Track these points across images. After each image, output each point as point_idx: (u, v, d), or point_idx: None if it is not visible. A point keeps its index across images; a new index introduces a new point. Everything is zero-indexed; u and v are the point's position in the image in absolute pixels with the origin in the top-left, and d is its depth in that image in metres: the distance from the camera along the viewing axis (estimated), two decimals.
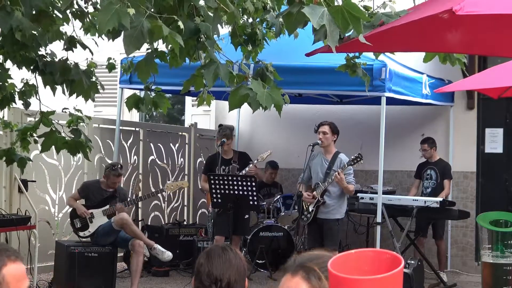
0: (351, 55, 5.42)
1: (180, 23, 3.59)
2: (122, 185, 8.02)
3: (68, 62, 5.01)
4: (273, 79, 4.81)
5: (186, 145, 10.53)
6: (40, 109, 5.47)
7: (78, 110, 5.52)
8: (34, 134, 5.66)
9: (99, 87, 5.05)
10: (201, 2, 4.17)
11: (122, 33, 3.45)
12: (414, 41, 4.41)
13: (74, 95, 5.01)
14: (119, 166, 7.66)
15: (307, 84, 8.03)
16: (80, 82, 4.88)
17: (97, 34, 4.67)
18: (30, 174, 7.83)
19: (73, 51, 5.09)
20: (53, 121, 5.39)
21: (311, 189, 7.29)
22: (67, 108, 5.58)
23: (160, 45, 4.15)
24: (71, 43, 5.04)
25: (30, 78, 5.31)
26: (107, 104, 11.83)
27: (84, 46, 5.10)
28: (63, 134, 5.34)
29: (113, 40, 4.37)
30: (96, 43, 5.27)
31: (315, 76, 7.86)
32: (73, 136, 5.31)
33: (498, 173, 9.58)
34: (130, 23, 3.24)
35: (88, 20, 4.99)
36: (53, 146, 5.29)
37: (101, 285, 7.31)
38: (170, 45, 3.68)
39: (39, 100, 5.39)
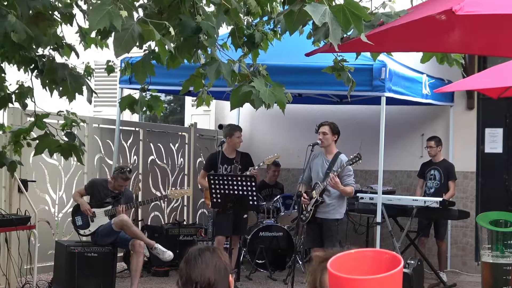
0: (339, 57, 5.41)
1: (171, 29, 3.57)
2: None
3: (55, 62, 4.94)
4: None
5: (186, 145, 10.52)
6: (34, 111, 5.41)
7: (73, 114, 5.47)
8: (28, 137, 5.60)
9: (85, 89, 4.96)
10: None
11: (113, 34, 3.43)
12: (414, 41, 4.41)
13: (66, 96, 4.94)
14: (128, 169, 7.62)
15: (307, 84, 8.02)
16: (65, 82, 4.82)
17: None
18: (30, 174, 7.83)
19: (59, 52, 5.03)
20: (47, 124, 5.34)
21: (311, 189, 7.28)
22: (62, 111, 5.52)
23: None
24: (58, 44, 4.98)
25: (26, 80, 5.25)
26: (107, 104, 11.82)
27: (72, 48, 5.04)
28: (57, 137, 5.29)
29: (101, 41, 4.34)
30: (83, 45, 5.20)
31: (315, 76, 7.84)
32: (67, 140, 5.26)
33: (498, 173, 9.57)
34: (122, 25, 3.21)
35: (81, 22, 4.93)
36: (46, 149, 5.25)
37: (101, 285, 7.31)
38: (166, 46, 3.67)
39: (34, 102, 5.33)
